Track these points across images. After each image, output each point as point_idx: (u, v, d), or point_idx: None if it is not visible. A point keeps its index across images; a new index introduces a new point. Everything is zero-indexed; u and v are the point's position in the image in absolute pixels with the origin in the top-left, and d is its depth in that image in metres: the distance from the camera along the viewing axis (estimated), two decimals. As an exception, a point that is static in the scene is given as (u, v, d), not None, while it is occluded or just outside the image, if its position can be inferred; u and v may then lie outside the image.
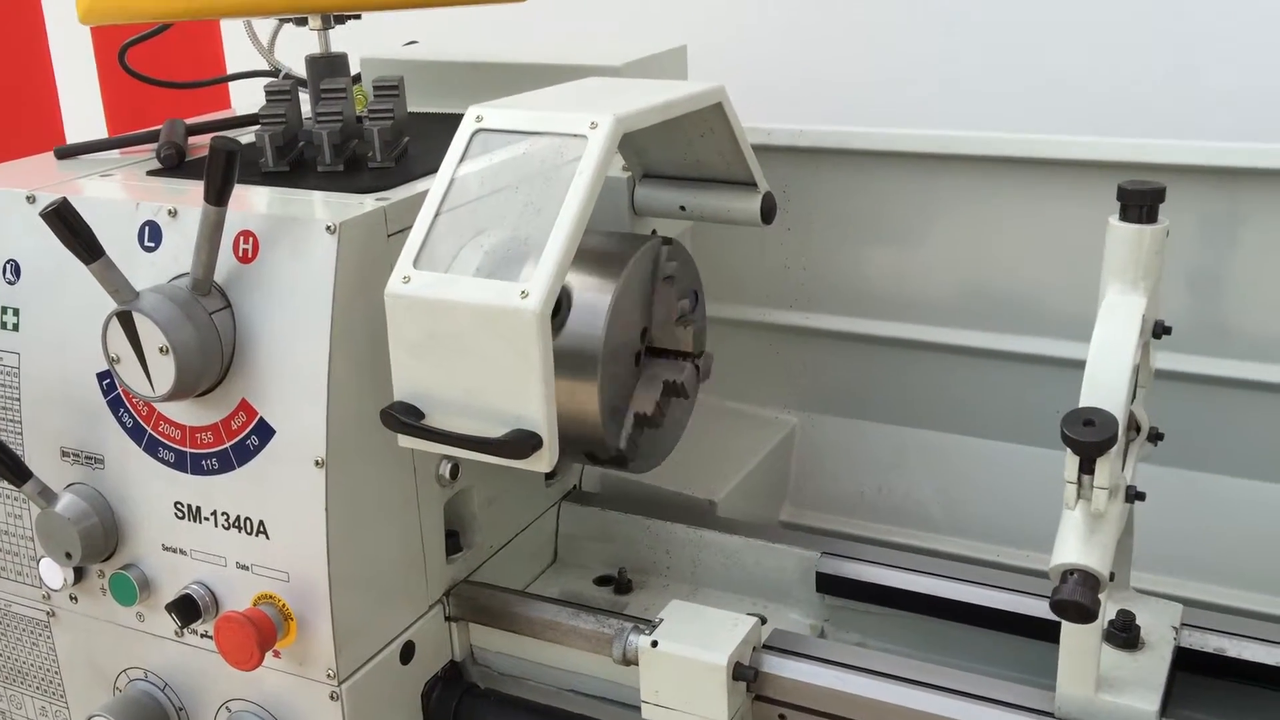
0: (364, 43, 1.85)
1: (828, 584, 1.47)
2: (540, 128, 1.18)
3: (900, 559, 1.47)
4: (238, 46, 1.77)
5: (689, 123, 1.41)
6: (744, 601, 1.54)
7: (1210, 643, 1.26)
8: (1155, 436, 1.22)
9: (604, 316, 1.25)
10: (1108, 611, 1.25)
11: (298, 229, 1.22)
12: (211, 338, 1.23)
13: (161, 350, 1.20)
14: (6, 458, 1.32)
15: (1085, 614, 1.03)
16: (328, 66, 1.57)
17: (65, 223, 1.17)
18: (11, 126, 3.20)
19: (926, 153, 1.65)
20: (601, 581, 1.61)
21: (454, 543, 1.46)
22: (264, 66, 1.82)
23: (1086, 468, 1.03)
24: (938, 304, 1.74)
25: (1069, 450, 1.02)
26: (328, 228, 1.20)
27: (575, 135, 1.15)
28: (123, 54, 1.74)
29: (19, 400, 1.39)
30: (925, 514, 1.80)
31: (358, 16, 1.56)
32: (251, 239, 1.24)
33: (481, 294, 1.10)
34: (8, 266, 1.38)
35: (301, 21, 1.55)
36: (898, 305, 1.77)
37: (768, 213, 1.50)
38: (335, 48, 1.57)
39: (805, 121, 1.75)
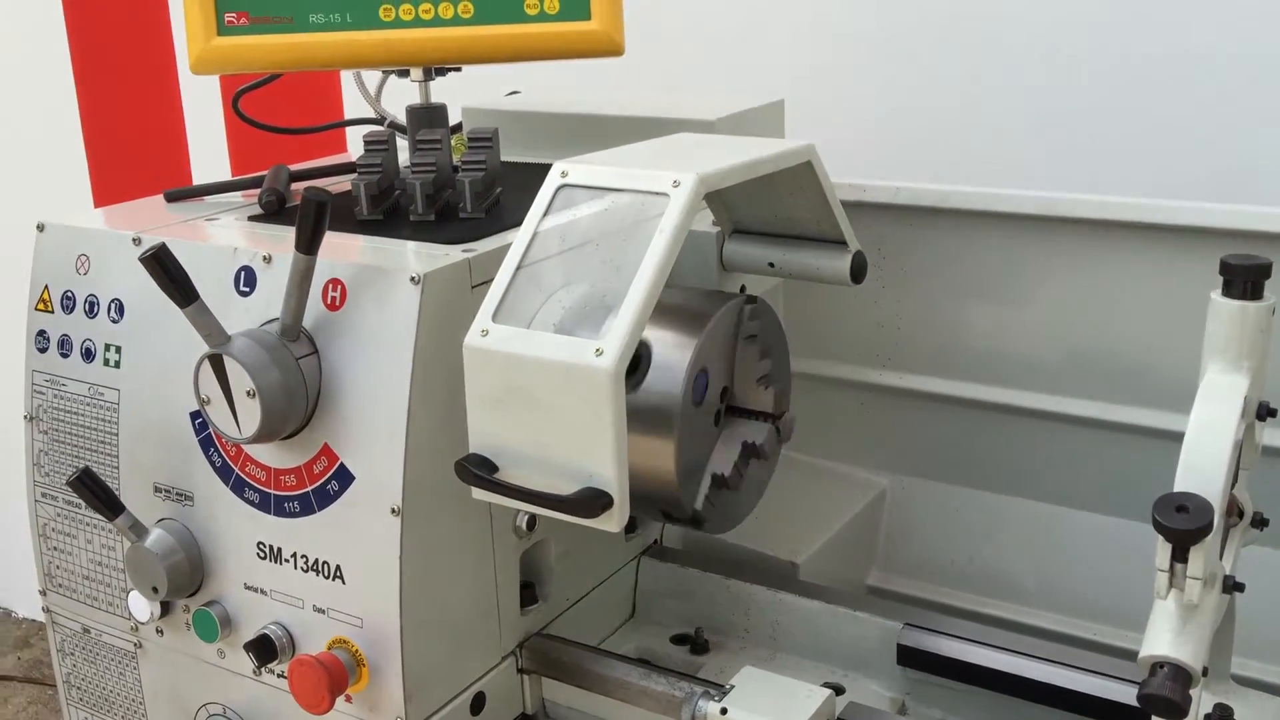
0: (470, 92, 1.89)
1: (909, 656, 1.42)
2: (623, 184, 1.17)
3: (986, 635, 1.42)
4: (357, 92, 1.82)
5: (779, 179, 1.39)
6: (822, 670, 1.50)
7: (1315, 744, 1.19)
8: (1260, 522, 1.16)
9: (683, 374, 1.24)
10: (1203, 704, 1.19)
11: (383, 279, 1.24)
12: (297, 382, 1.25)
13: (249, 394, 1.22)
14: (101, 491, 1.36)
15: (1175, 710, 0.98)
16: (427, 117, 1.59)
17: (163, 267, 1.21)
18: (143, 165, 3.34)
19: (1026, 214, 1.60)
20: (678, 640, 1.59)
21: (529, 594, 1.45)
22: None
23: (1179, 556, 0.98)
24: (1038, 369, 1.69)
25: (1160, 538, 0.97)
26: (412, 278, 1.21)
27: (657, 193, 1.15)
28: (236, 100, 1.80)
29: (117, 435, 1.44)
30: (1019, 586, 1.74)
31: (458, 69, 1.59)
32: (340, 287, 1.26)
33: (557, 350, 1.09)
34: (112, 305, 1.43)
35: (404, 73, 1.58)
36: (995, 369, 1.72)
37: (857, 272, 1.47)
38: (442, 96, 1.60)
39: (908, 178, 1.72)
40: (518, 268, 1.16)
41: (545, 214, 1.20)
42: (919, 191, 1.68)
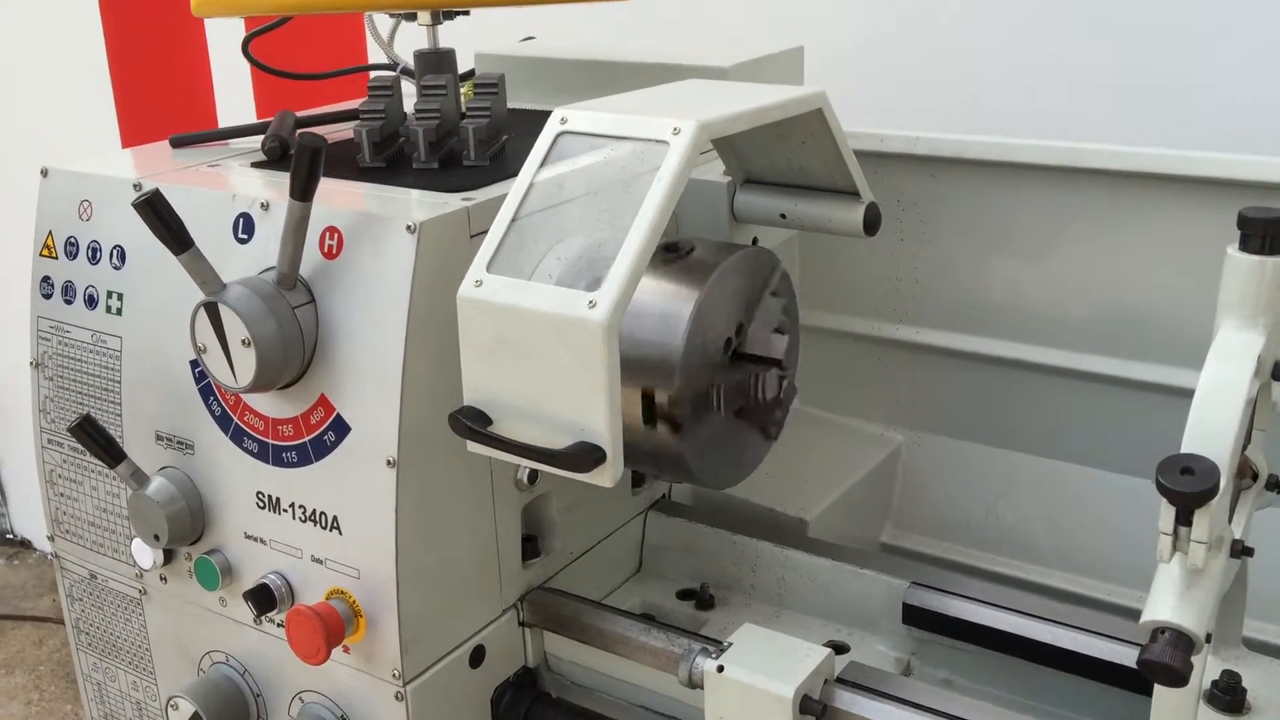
0: (486, 37, 1.86)
1: (914, 616, 1.40)
2: (623, 132, 1.14)
3: (994, 594, 1.39)
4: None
5: (790, 128, 1.36)
6: (828, 627, 1.48)
7: (1327, 712, 1.16)
8: (1276, 485, 1.12)
9: (684, 325, 1.22)
10: (1209, 670, 1.16)
11: (379, 227, 1.22)
12: (293, 332, 1.23)
13: (244, 342, 1.21)
14: (102, 439, 1.36)
15: (1175, 677, 0.95)
16: (435, 62, 1.56)
17: (156, 213, 1.19)
18: (170, 110, 3.33)
19: (1046, 164, 1.56)
20: (684, 595, 1.57)
21: (532, 547, 1.44)
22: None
23: (1184, 519, 0.95)
24: (1058, 325, 1.64)
25: (1164, 500, 0.94)
26: (408, 227, 1.19)
27: (657, 141, 1.12)
28: (246, 44, 1.77)
29: (120, 383, 1.43)
30: (1034, 545, 1.71)
31: (466, 13, 1.55)
32: (337, 235, 1.24)
33: (550, 302, 1.07)
34: (114, 252, 1.42)
35: (411, 17, 1.55)
36: (1014, 324, 1.68)
37: (871, 224, 1.44)
38: (457, 42, 1.56)
39: (934, 128, 1.68)
40: (513, 219, 1.14)
41: (543, 163, 1.17)
42: (937, 142, 1.63)
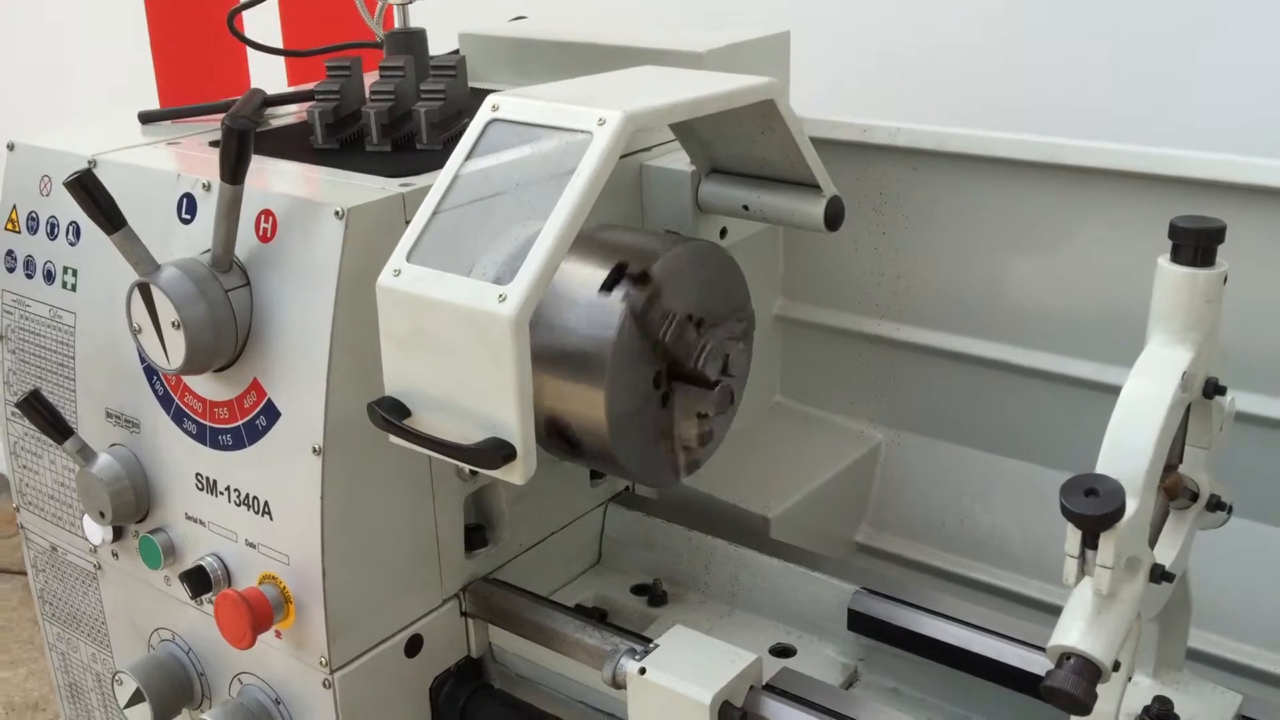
0: (477, 17, 1.83)
1: (859, 622, 1.36)
2: (550, 121, 1.12)
3: (943, 604, 1.35)
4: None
5: (747, 118, 1.32)
6: (778, 629, 1.45)
7: (1269, 744, 1.11)
8: (1218, 505, 1.07)
9: (617, 319, 1.19)
10: (1143, 695, 1.12)
11: (310, 211, 1.20)
12: (225, 315, 1.22)
13: (174, 324, 1.20)
14: (50, 414, 1.36)
15: (1078, 706, 0.91)
16: (405, 42, 1.55)
17: (87, 192, 1.19)
18: (205, 79, 3.36)
19: (1027, 160, 1.50)
20: (638, 590, 1.55)
21: (480, 537, 1.42)
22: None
23: (1090, 542, 0.90)
24: (1041, 327, 1.59)
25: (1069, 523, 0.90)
26: (336, 212, 1.18)
27: (582, 131, 1.09)
28: (230, 18, 1.76)
29: (74, 358, 1.44)
30: (1009, 551, 1.66)
31: (436, -8, 1.53)
32: (271, 218, 1.23)
33: (461, 294, 1.05)
34: (70, 228, 1.42)
35: (383, -6, 1.53)
36: (997, 324, 1.63)
37: (832, 219, 1.40)
38: (447, 22, 1.54)
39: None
40: (436, 208, 1.12)
41: (472, 150, 1.15)
42: (919, 134, 1.58)
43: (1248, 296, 1.22)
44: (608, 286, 1.20)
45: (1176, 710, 1.10)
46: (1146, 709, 1.09)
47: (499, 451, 1.05)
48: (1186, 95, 1.83)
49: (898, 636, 1.33)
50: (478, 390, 1.07)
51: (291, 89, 1.66)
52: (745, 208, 1.44)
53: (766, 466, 1.68)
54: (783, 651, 1.42)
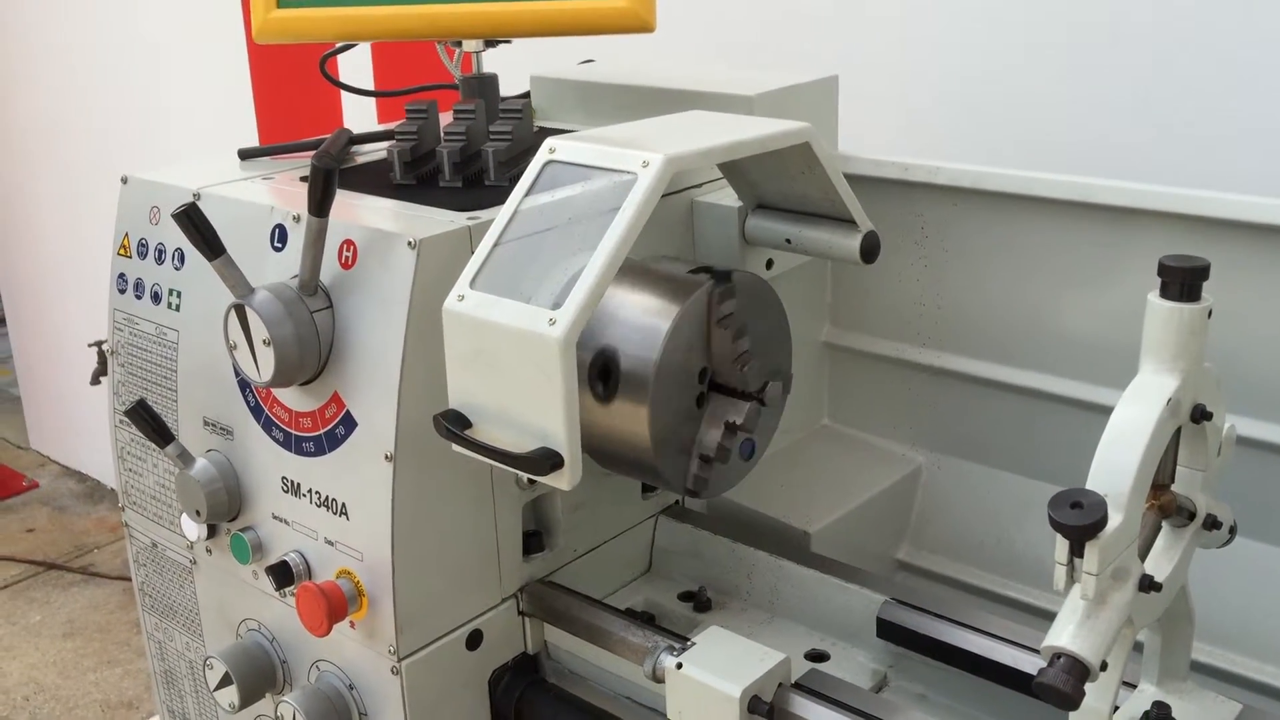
0: (550, 60, 1.97)
1: (887, 631, 1.45)
2: (600, 163, 1.24)
3: (971, 615, 1.43)
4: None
5: (787, 159, 1.43)
6: (814, 637, 1.55)
7: (1264, 752, 1.18)
8: (1214, 524, 1.15)
9: (659, 344, 1.30)
10: (1142, 701, 1.19)
11: (386, 242, 1.34)
12: (310, 334, 1.36)
13: (265, 342, 1.34)
14: (154, 421, 1.51)
15: (1066, 702, 1.00)
16: (478, 87, 1.68)
17: (192, 223, 1.34)
18: (302, 117, 3.56)
19: (1060, 199, 1.58)
20: (684, 597, 1.66)
21: (536, 542, 1.54)
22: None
23: (1077, 551, 0.99)
24: (1075, 356, 1.67)
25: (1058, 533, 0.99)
26: (409, 243, 1.31)
27: (627, 172, 1.20)
28: (323, 63, 1.92)
29: (176, 372, 1.59)
30: (1043, 571, 1.72)
31: (508, 41, 1.67)
32: (352, 247, 1.37)
33: (516, 318, 1.17)
34: (176, 254, 1.58)
35: (458, 44, 1.67)
36: (1033, 353, 1.71)
37: (868, 252, 1.50)
38: (521, 63, 1.67)
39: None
40: (497, 241, 1.24)
41: (531, 188, 1.27)
42: (957, 172, 1.67)
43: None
44: (686, 290, 1.31)
45: (1175, 715, 1.17)
46: (1146, 714, 1.17)
47: (548, 460, 1.17)
48: (1230, 140, 1.90)
49: (924, 645, 1.42)
50: (530, 404, 1.19)
51: (376, 129, 1.81)
52: (788, 241, 1.55)
53: (810, 485, 1.78)
54: (817, 657, 1.51)
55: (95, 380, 1.75)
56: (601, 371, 1.32)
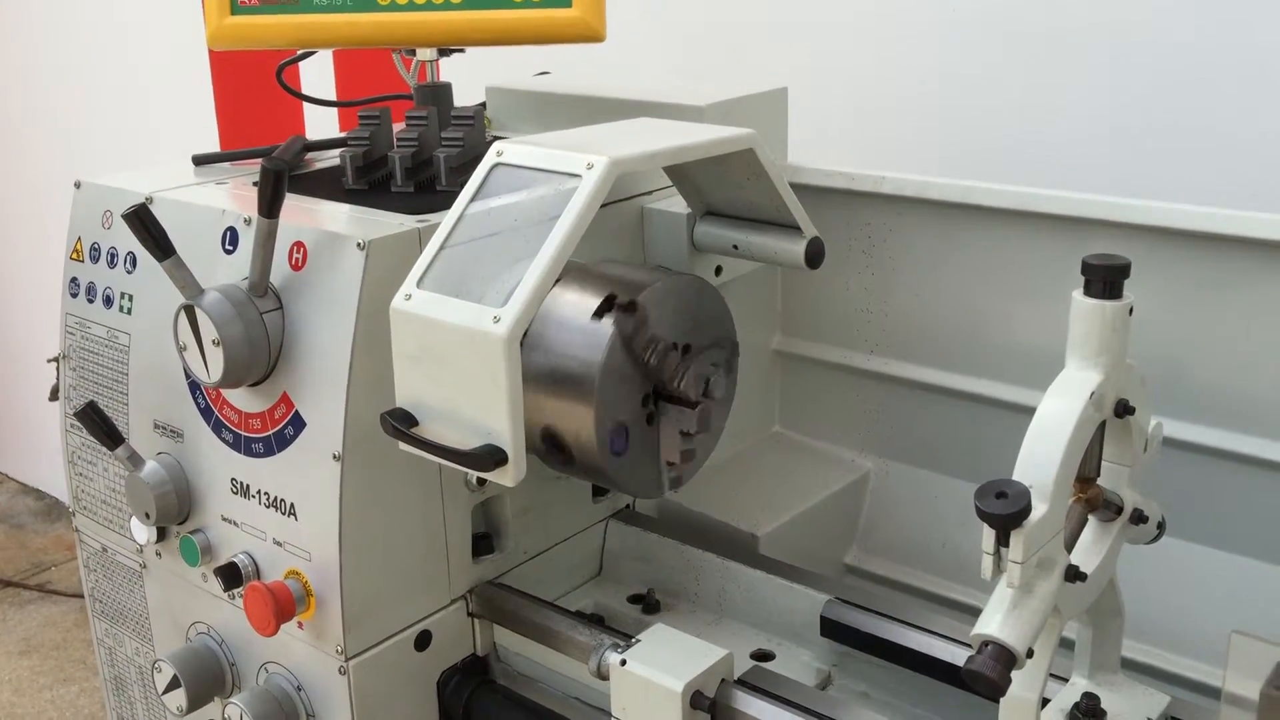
0: (507, 70, 1.99)
1: (831, 630, 1.48)
2: (546, 165, 1.26)
3: (909, 612, 1.46)
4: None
5: (732, 166, 1.46)
6: (760, 636, 1.56)
7: (1191, 741, 1.21)
8: (1141, 519, 1.18)
9: (605, 342, 1.32)
10: (1072, 694, 1.22)
11: (336, 244, 1.35)
12: (259, 335, 1.38)
13: (214, 342, 1.36)
14: (104, 424, 1.52)
15: (993, 688, 1.02)
16: (432, 95, 1.70)
17: (142, 223, 1.35)
18: (263, 127, 3.56)
19: (1002, 208, 1.62)
20: (634, 599, 1.67)
21: (487, 544, 1.55)
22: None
23: (1003, 540, 1.02)
24: (1018, 362, 1.70)
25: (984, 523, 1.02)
26: (358, 244, 1.33)
27: (572, 174, 1.23)
28: (279, 72, 1.94)
29: (127, 376, 1.59)
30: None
31: (461, 50, 1.69)
32: (303, 249, 1.38)
33: (462, 316, 1.19)
34: (128, 257, 1.59)
35: (411, 53, 1.69)
36: (977, 360, 1.74)
37: (812, 258, 1.52)
38: (479, 76, 1.69)
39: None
40: (445, 241, 1.26)
41: (478, 190, 1.29)
42: (901, 182, 1.71)
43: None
44: (599, 314, 1.33)
45: (1105, 706, 1.20)
46: (1076, 705, 1.20)
47: (492, 457, 1.19)
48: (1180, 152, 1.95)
49: (867, 643, 1.44)
50: (475, 402, 1.20)
51: (330, 137, 1.83)
52: (735, 247, 1.58)
53: (760, 490, 1.80)
54: (763, 656, 1.53)
55: (54, 396, 1.75)
56: (552, 444, 1.35)
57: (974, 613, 1.73)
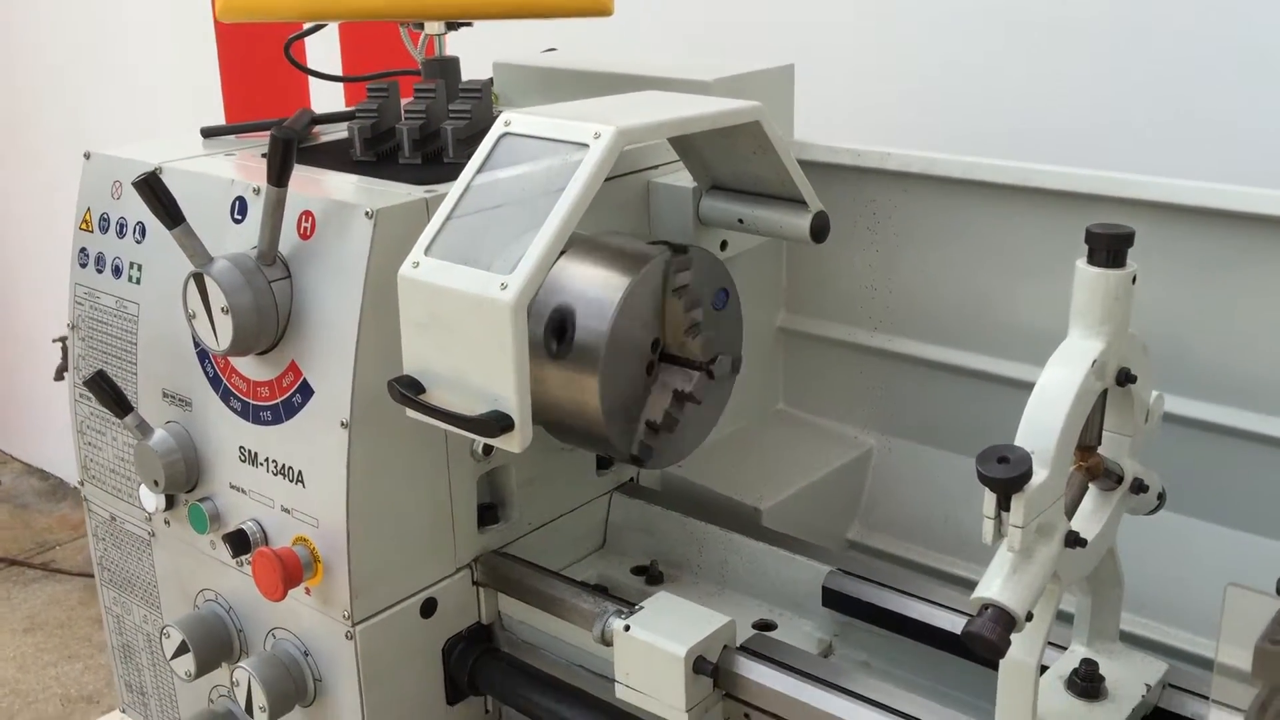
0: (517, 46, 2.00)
1: (832, 600, 1.49)
2: (553, 134, 1.27)
3: (912, 584, 1.47)
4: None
5: (738, 139, 1.47)
6: (762, 607, 1.58)
7: (1189, 707, 1.22)
8: (1141, 488, 1.19)
9: (611, 313, 1.33)
10: (1071, 660, 1.23)
11: (345, 213, 1.36)
12: (268, 303, 1.39)
13: (223, 310, 1.37)
14: (113, 392, 1.53)
15: (992, 649, 1.03)
16: (439, 68, 1.71)
17: (152, 191, 1.36)
18: (269, 102, 3.57)
19: (1006, 184, 1.63)
20: (637, 571, 1.68)
21: (492, 514, 1.57)
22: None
23: (1004, 504, 1.03)
24: (1022, 339, 1.71)
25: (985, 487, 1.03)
26: (366, 213, 1.34)
27: (580, 144, 1.24)
28: (287, 47, 1.94)
29: (136, 344, 1.61)
30: (987, 551, 1.77)
31: (469, 24, 1.70)
32: (311, 218, 1.39)
33: (469, 283, 1.20)
34: (137, 227, 1.60)
35: (420, 26, 1.70)
36: (980, 337, 1.75)
37: (818, 232, 1.53)
38: (488, 53, 1.70)
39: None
40: (453, 209, 1.27)
41: (486, 159, 1.30)
42: (907, 158, 1.72)
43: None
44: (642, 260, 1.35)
45: (1103, 672, 1.21)
46: (1075, 670, 1.21)
47: (499, 422, 1.20)
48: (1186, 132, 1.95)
49: (868, 612, 1.45)
50: (482, 369, 1.22)
51: (339, 110, 1.83)
52: (740, 221, 1.59)
53: (763, 465, 1.82)
54: (765, 626, 1.54)
55: (59, 376, 1.76)
56: (557, 328, 1.35)
57: (975, 587, 1.77)
